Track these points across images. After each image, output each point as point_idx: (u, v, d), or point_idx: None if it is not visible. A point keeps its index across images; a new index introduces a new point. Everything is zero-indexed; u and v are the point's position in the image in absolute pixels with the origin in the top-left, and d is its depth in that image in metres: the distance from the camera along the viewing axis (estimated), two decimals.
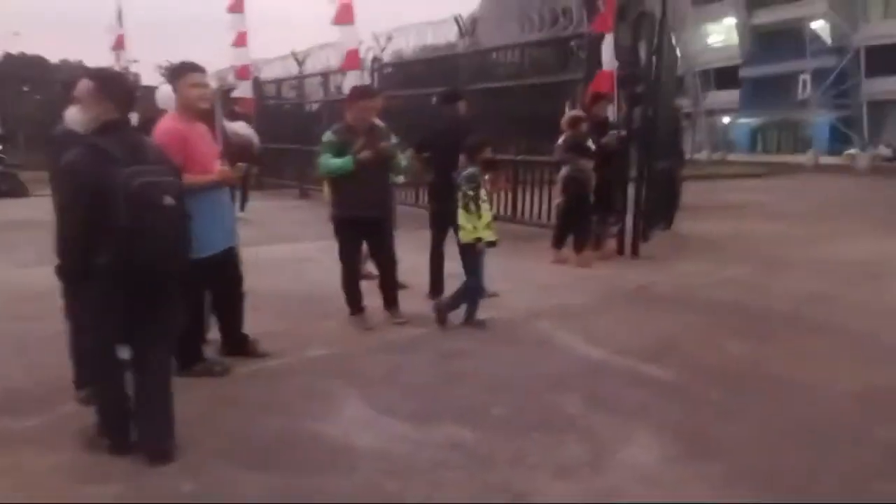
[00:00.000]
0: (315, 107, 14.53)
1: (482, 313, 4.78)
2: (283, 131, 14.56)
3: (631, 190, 7.48)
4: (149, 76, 21.90)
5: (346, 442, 2.98)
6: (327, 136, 4.59)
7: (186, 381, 3.58)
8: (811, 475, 2.74)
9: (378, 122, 4.76)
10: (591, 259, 6.93)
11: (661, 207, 8.48)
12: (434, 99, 11.14)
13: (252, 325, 4.12)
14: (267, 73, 15.85)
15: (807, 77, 39.86)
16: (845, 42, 38.71)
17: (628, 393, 3.57)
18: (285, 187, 14.33)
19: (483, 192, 4.68)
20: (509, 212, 9.18)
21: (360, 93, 4.76)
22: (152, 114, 6.14)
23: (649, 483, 2.66)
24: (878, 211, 12.93)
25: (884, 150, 35.92)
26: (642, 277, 6.38)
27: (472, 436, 3.03)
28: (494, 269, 5.77)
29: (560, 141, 6.89)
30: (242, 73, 13.91)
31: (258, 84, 15.48)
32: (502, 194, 8.79)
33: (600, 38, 7.65)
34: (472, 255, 4.69)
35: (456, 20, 9.87)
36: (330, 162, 4.53)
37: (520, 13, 9.95)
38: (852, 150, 36.30)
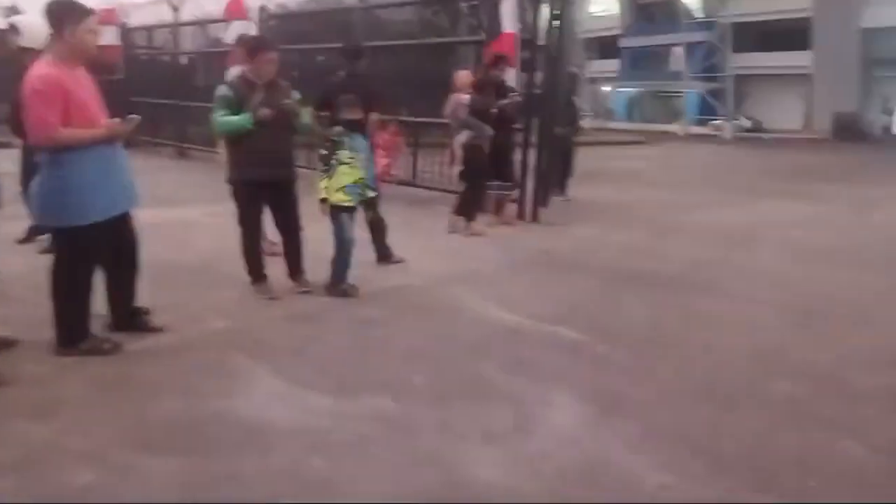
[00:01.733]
0: (191, 58, 13.50)
1: (387, 278, 4.63)
2: (157, 85, 13.47)
3: (531, 155, 7.55)
4: None
5: (259, 420, 2.78)
6: (222, 90, 4.23)
7: (72, 360, 3.24)
8: (718, 431, 2.87)
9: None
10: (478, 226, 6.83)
11: (557, 174, 8.66)
12: (321, 56, 10.76)
13: (139, 297, 3.75)
14: (137, 20, 14.51)
15: (680, 50, 42.19)
16: (715, 17, 41.25)
17: (544, 357, 3.60)
18: (160, 145, 13.33)
19: (345, 154, 4.44)
20: (409, 175, 9.05)
21: (261, 43, 4.42)
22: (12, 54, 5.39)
23: (573, 445, 2.69)
24: (743, 179, 14.02)
25: (744, 122, 38.97)
26: (544, 243, 6.50)
27: (395, 407, 2.94)
28: (399, 233, 5.68)
29: (463, 103, 6.74)
30: (108, 17, 12.66)
31: (126, 31, 14.16)
32: (402, 157, 8.66)
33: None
34: (331, 217, 4.48)
35: None
36: (227, 119, 4.18)
37: None
38: (718, 121, 39.11)
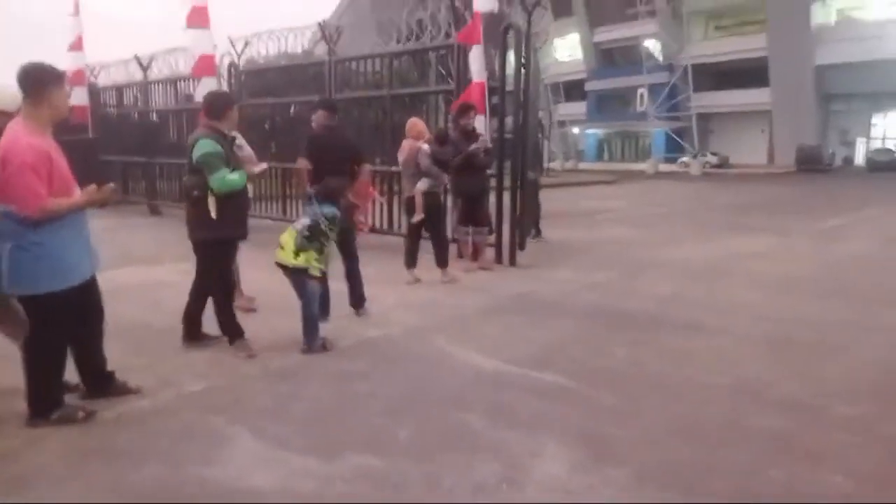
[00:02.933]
0: (161, 115, 13.48)
1: (365, 329, 4.60)
2: (127, 142, 13.45)
3: (505, 199, 7.63)
4: None
5: (241, 485, 2.70)
6: (212, 146, 4.09)
7: (44, 431, 3.13)
8: (709, 469, 2.86)
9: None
10: (467, 266, 6.88)
11: (531, 216, 8.76)
12: (293, 109, 10.87)
13: (110, 360, 3.65)
14: (105, 80, 14.54)
15: (644, 91, 43.57)
16: (675, 60, 42.77)
17: (527, 402, 3.57)
18: (131, 203, 13.23)
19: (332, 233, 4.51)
20: (385, 224, 9.08)
21: (230, 100, 4.47)
22: None
23: (565, 494, 2.65)
24: (712, 214, 14.33)
25: (711, 158, 40.08)
26: (522, 286, 6.53)
27: (381, 463, 2.87)
28: (374, 283, 5.67)
29: (424, 151, 6.69)
30: (77, 78, 12.71)
31: (94, 90, 14.19)
32: (377, 206, 8.71)
33: (468, 49, 7.79)
34: (303, 277, 4.42)
35: (320, 27, 9.62)
36: (232, 178, 4.13)
37: (379, 23, 9.93)
38: (685, 158, 40.15)
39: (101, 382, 3.57)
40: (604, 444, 3.09)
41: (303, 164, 5.24)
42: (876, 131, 41.10)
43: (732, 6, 41.55)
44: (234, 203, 4.21)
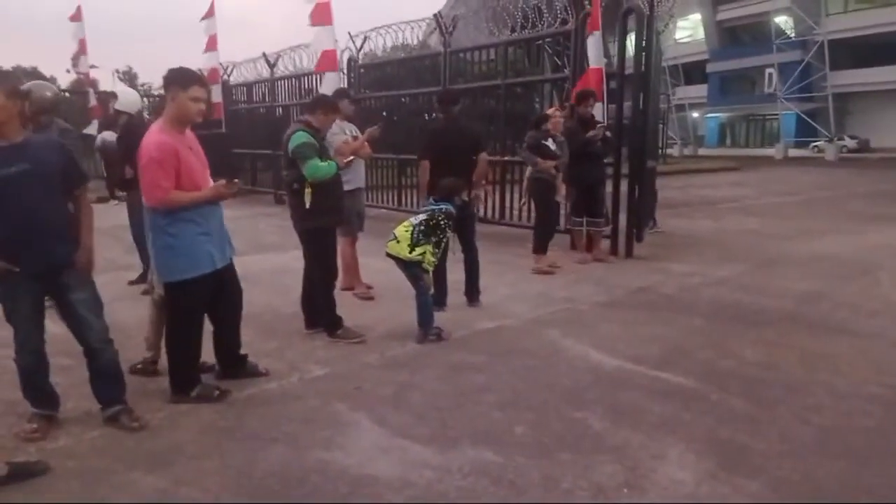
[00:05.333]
0: (284, 110, 14.16)
1: (479, 321, 4.59)
2: (255, 136, 14.23)
3: (622, 189, 7.37)
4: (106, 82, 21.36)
5: (362, 472, 2.76)
6: (306, 137, 4.30)
7: (183, 408, 3.37)
8: (853, 487, 2.61)
9: None
10: (549, 259, 6.74)
11: (649, 206, 8.40)
12: (404, 100, 11.05)
13: (243, 343, 3.89)
14: (236, 77, 15.46)
15: (773, 71, 40.56)
16: (809, 36, 39.43)
17: (650, 404, 3.42)
18: (258, 193, 13.99)
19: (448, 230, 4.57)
20: (496, 214, 9.04)
21: (323, 99, 4.77)
22: (115, 119, 6.06)
23: (691, 501, 2.51)
24: (851, 203, 13.10)
25: (848, 142, 36.77)
26: (641, 279, 6.27)
27: (497, 459, 2.85)
28: (488, 273, 5.63)
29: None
30: (212, 76, 13.58)
31: (227, 87, 15.11)
32: (488, 197, 8.68)
33: (585, 36, 7.55)
34: (417, 271, 4.47)
35: (436, 19, 9.67)
36: (321, 165, 4.32)
37: (493, 12, 9.83)
38: (819, 142, 37.09)
39: (234, 364, 3.80)
40: (735, 453, 2.90)
41: (424, 166, 5.29)
42: None
43: None
44: (327, 193, 4.36)
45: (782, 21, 41.41)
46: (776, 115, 41.50)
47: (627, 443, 2.99)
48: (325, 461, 2.86)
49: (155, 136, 3.26)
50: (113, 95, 6.74)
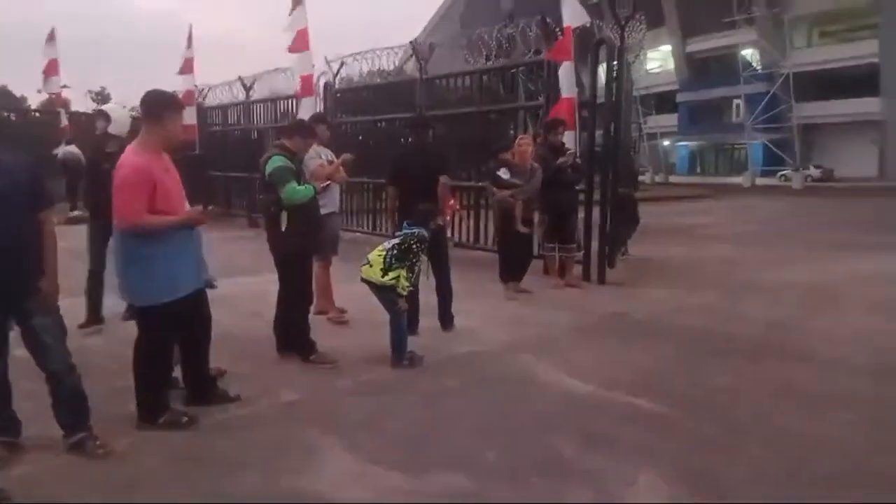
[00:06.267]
0: (259, 134, 14.15)
1: (453, 346, 4.60)
2: (230, 159, 14.16)
3: (594, 215, 7.46)
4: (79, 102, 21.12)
5: (334, 498, 2.74)
6: (283, 161, 4.35)
7: (151, 434, 3.30)
8: None
9: None
10: (515, 288, 6.78)
11: (622, 232, 8.51)
12: (380, 124, 11.14)
13: (214, 367, 3.85)
14: (211, 100, 15.43)
15: (740, 102, 41.71)
16: (775, 68, 40.69)
17: (622, 430, 3.44)
18: (233, 216, 13.87)
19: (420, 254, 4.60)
20: (471, 238, 9.09)
21: (299, 124, 4.85)
22: (102, 140, 5.82)
23: None
24: (818, 231, 13.42)
25: (813, 171, 37.80)
26: (613, 305, 6.34)
27: (469, 484, 2.84)
28: (463, 298, 5.65)
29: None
30: (186, 98, 13.53)
31: (202, 110, 15.05)
32: (462, 222, 8.74)
33: (558, 65, 7.71)
34: (391, 295, 4.45)
35: (412, 46, 9.80)
36: (299, 189, 4.33)
37: (469, 40, 9.99)
38: (785, 171, 38.07)
39: (204, 389, 3.74)
40: (705, 480, 2.93)
41: (392, 192, 5.38)
42: None
43: (842, 11, 39.14)
44: (304, 218, 4.38)
45: (749, 54, 42.74)
46: (744, 144, 42.60)
47: (599, 468, 3.01)
48: (296, 488, 2.82)
49: (131, 158, 3.25)
50: (103, 116, 5.59)
